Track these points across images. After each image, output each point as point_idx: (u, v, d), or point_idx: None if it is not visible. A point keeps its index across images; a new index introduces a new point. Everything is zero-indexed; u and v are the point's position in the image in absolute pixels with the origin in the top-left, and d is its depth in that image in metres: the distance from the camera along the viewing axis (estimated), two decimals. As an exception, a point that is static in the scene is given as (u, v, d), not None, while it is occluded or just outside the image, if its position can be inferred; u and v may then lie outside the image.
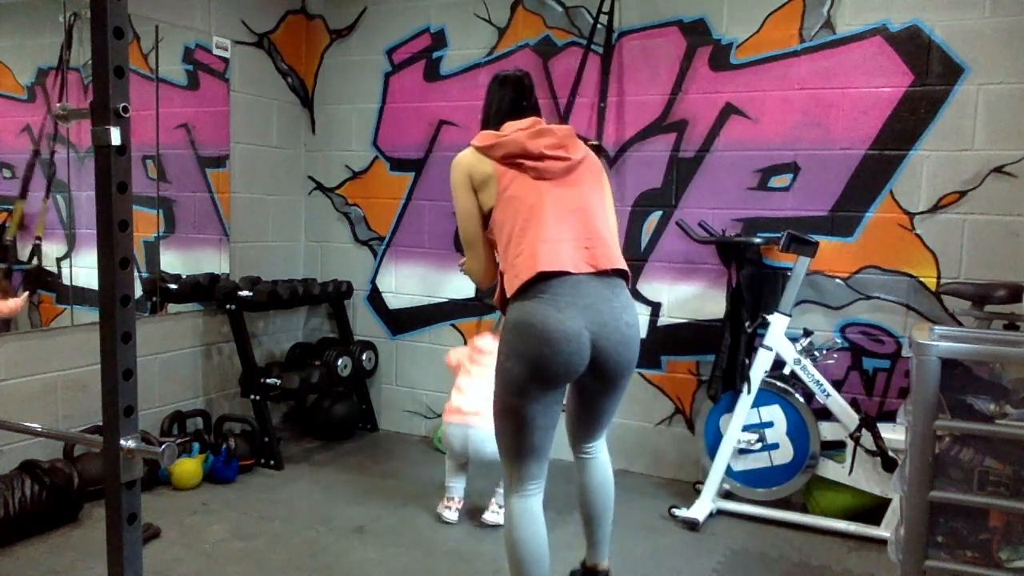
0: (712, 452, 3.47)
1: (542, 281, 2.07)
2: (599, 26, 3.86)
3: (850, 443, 3.26)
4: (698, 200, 3.76)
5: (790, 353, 3.33)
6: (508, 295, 2.13)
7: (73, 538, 3.04)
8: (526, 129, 2.23)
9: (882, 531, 3.14)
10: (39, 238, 3.39)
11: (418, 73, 4.33)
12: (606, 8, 3.83)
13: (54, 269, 3.45)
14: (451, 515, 3.31)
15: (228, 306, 3.92)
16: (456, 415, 3.27)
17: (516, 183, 2.14)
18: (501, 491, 3.29)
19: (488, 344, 3.34)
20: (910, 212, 3.42)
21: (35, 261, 3.40)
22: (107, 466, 1.18)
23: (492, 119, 2.35)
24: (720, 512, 3.42)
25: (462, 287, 4.32)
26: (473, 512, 3.37)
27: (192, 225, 4.04)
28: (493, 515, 3.29)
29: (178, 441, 3.62)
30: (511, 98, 2.36)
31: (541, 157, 2.17)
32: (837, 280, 3.55)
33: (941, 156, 3.36)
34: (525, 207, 2.14)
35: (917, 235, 3.42)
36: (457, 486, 3.36)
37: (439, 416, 4.42)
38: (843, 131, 3.49)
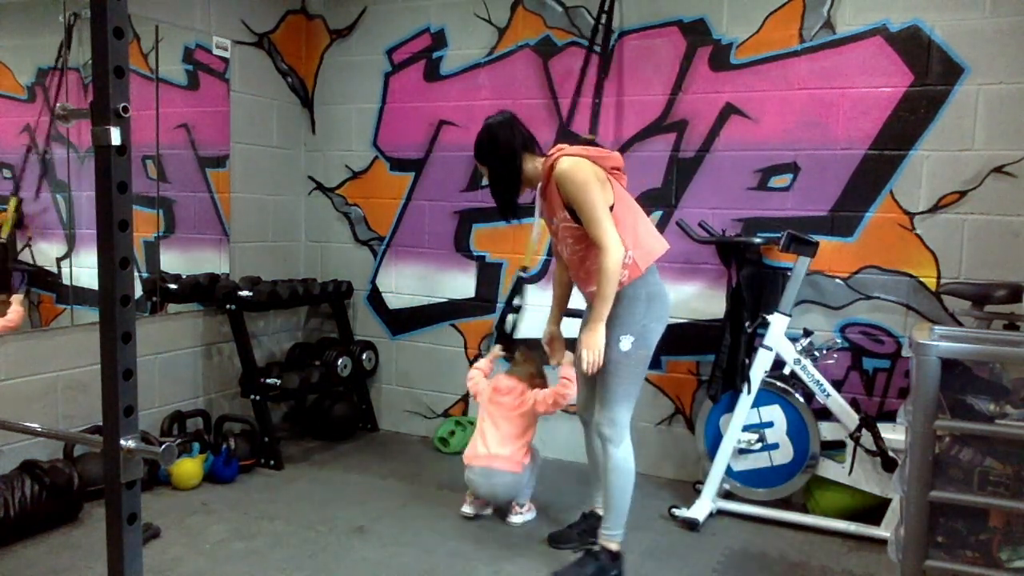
0: (712, 452, 3.47)
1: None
2: (599, 26, 3.85)
3: (850, 443, 3.26)
4: (698, 200, 3.76)
5: (790, 353, 3.33)
6: (642, 269, 2.73)
7: (73, 538, 3.04)
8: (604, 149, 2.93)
9: (882, 531, 3.14)
10: (30, 238, 3.38)
11: (418, 73, 4.33)
12: (606, 8, 3.83)
13: (54, 269, 3.45)
14: (468, 509, 3.34)
15: (228, 306, 3.91)
16: (478, 459, 3.28)
17: (618, 187, 2.79)
18: (528, 490, 3.34)
19: (508, 384, 3.35)
20: (910, 212, 3.42)
21: (31, 261, 3.40)
22: (107, 466, 1.18)
23: (527, 144, 2.88)
24: (720, 512, 3.42)
25: (461, 287, 4.32)
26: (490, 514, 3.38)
27: (192, 225, 4.04)
28: (518, 516, 3.32)
29: (178, 441, 3.62)
30: (525, 129, 2.93)
31: (624, 171, 2.87)
32: (837, 280, 3.55)
33: (941, 156, 3.36)
34: (633, 205, 2.82)
35: (917, 235, 3.42)
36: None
37: (439, 416, 4.42)
38: (843, 131, 3.49)
